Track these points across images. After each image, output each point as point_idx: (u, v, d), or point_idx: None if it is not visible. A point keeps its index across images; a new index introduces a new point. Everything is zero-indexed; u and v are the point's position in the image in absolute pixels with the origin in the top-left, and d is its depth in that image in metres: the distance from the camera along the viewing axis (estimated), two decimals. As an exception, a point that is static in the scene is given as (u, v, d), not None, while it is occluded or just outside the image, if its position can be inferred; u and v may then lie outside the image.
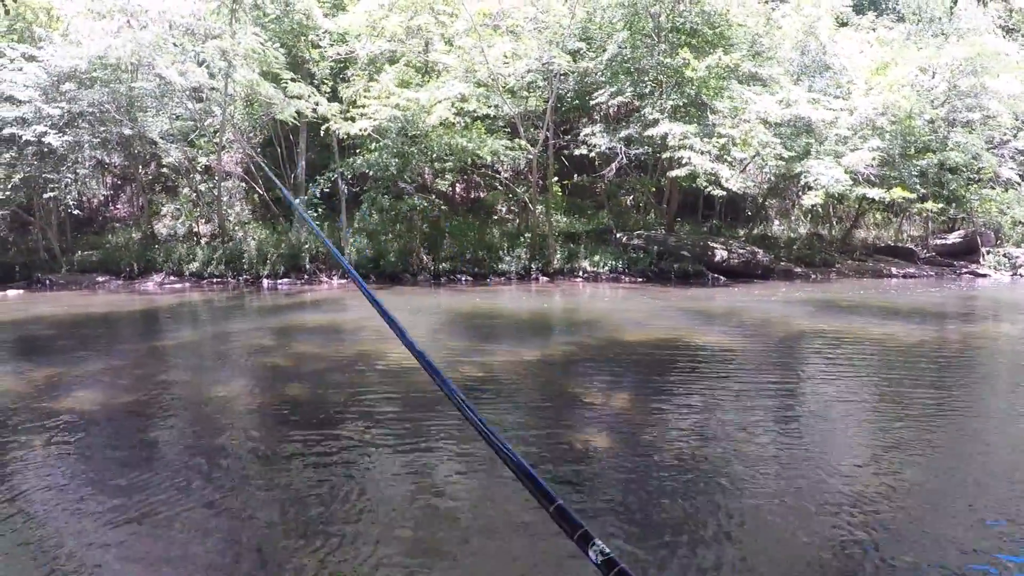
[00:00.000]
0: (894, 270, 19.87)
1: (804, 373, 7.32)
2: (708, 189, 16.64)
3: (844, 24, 22.84)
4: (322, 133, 17.50)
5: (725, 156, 16.29)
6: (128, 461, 4.54)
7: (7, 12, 16.84)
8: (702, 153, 15.78)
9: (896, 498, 3.81)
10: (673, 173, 16.46)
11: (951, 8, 25.42)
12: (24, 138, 16.85)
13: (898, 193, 17.30)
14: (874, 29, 22.94)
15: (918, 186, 19.18)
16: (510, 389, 6.45)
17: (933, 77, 19.95)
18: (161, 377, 7.21)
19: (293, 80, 17.11)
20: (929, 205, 18.97)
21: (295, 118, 17.64)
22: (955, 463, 4.52)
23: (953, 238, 22.80)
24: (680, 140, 15.99)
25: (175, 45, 17.63)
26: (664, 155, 17.15)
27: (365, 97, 16.57)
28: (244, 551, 3.30)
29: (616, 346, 8.74)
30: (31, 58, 17.08)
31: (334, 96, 18.12)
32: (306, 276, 18.08)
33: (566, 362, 7.84)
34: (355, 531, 3.48)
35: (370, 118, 16.31)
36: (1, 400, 6.11)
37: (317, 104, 17.07)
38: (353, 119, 16.47)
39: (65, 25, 18.67)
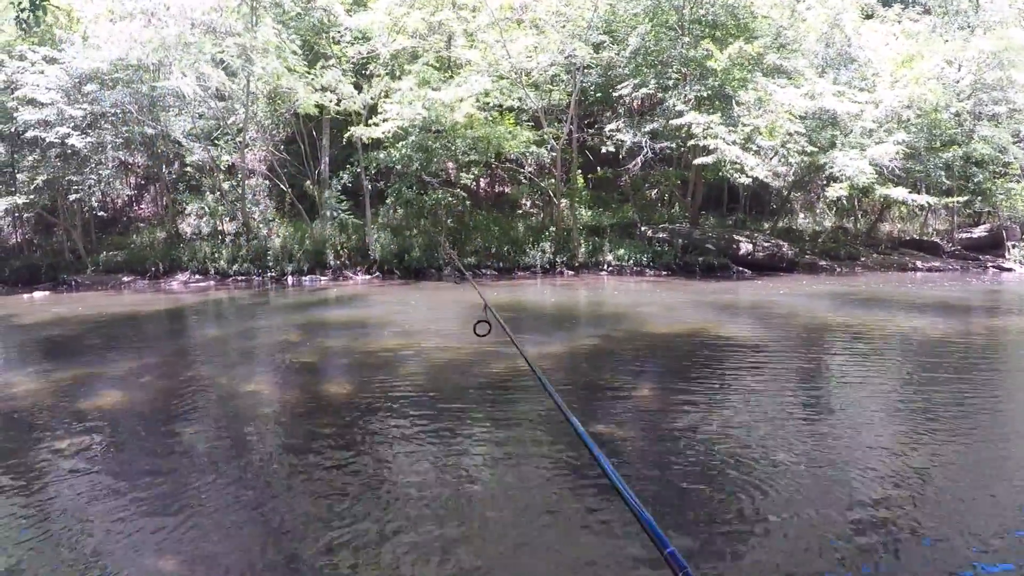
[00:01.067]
0: (919, 264, 19.69)
1: (830, 366, 7.26)
2: (734, 178, 16.48)
3: (869, 16, 22.64)
4: (346, 133, 17.48)
5: (750, 145, 16.18)
6: (156, 458, 4.54)
7: (38, 23, 16.89)
8: (727, 142, 15.67)
9: (922, 492, 3.76)
10: (699, 161, 16.34)
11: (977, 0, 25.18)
12: (47, 140, 16.97)
13: (923, 198, 17.21)
14: (899, 21, 22.72)
15: (944, 179, 19.00)
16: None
17: (959, 70, 19.75)
18: (188, 375, 7.21)
19: (322, 68, 17.09)
20: (954, 198, 18.75)
21: (318, 112, 17.62)
22: (982, 457, 4.44)
23: (978, 232, 22.57)
24: (705, 129, 15.89)
25: (197, 42, 17.68)
26: (689, 143, 17.05)
27: (386, 102, 16.56)
28: (273, 544, 3.29)
29: (642, 339, 8.69)
30: (52, 60, 17.19)
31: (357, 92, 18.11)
32: (331, 272, 18.10)
33: (592, 354, 7.81)
34: (384, 523, 3.46)
35: (392, 120, 16.29)
36: (29, 400, 6.12)
37: (340, 97, 17.04)
38: (376, 124, 16.46)
39: (84, 28, 18.75)
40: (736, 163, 15.77)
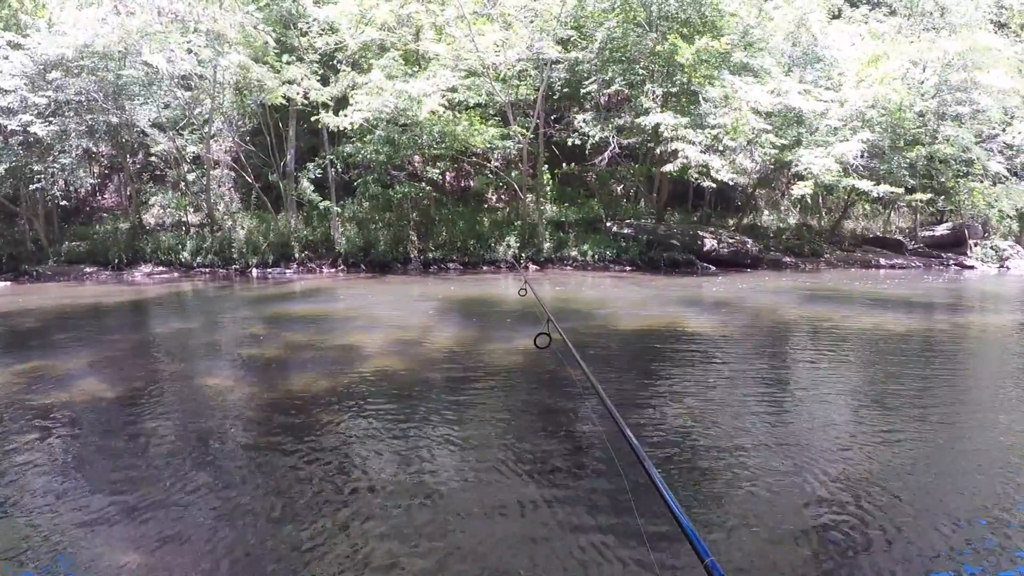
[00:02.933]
0: (882, 261, 19.96)
1: (794, 362, 7.35)
2: (699, 182, 16.64)
3: (836, 16, 22.89)
4: (312, 120, 17.37)
5: (716, 146, 16.28)
6: (119, 451, 4.51)
7: None
8: (694, 144, 15.75)
9: (882, 485, 3.81)
10: (666, 168, 16.44)
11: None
12: (9, 127, 16.68)
13: (886, 189, 17.40)
14: (866, 22, 22.97)
15: (907, 178, 19.24)
16: (503, 377, 6.42)
17: (924, 71, 20.00)
18: (151, 368, 7.15)
19: (288, 63, 16.96)
20: (918, 196, 19.00)
21: (285, 102, 17.50)
22: (941, 450, 4.52)
23: (941, 230, 22.92)
24: (672, 131, 15.96)
25: (163, 32, 17.47)
26: (657, 149, 17.13)
27: (354, 93, 16.48)
28: (235, 539, 3.28)
29: (607, 334, 8.74)
30: (17, 46, 16.86)
31: (324, 85, 18.01)
32: (296, 265, 18.01)
33: (558, 349, 7.78)
34: (346, 517, 3.47)
35: (360, 110, 16.23)
36: None
37: (307, 90, 16.93)
38: (345, 115, 16.38)
39: (49, 13, 18.46)
40: (702, 167, 15.87)
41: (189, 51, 16.92)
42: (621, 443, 4.31)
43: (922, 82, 19.88)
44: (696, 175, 16.37)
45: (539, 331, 3.08)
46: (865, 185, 17.13)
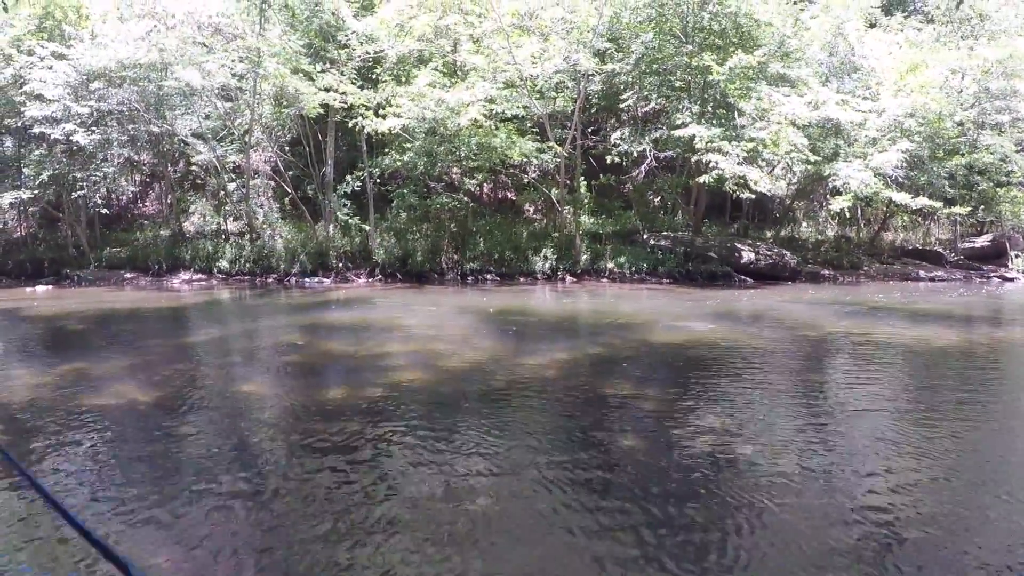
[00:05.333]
0: (922, 273, 19.72)
1: (834, 376, 7.29)
2: (736, 193, 16.55)
3: (873, 25, 22.66)
4: (350, 125, 17.48)
5: (755, 158, 16.19)
6: (155, 455, 4.55)
7: (5, 10, 16.89)
8: (729, 156, 15.68)
9: (923, 506, 3.75)
10: (702, 179, 16.36)
11: (957, 3, 25.02)
12: (52, 136, 17.02)
13: (924, 202, 17.21)
14: (901, 30, 22.73)
15: (946, 188, 19.02)
16: (541, 389, 6.42)
17: (963, 79, 19.78)
18: (188, 373, 7.21)
19: (322, 71, 17.12)
20: (958, 210, 18.77)
21: (323, 111, 17.64)
22: (985, 470, 4.42)
23: (981, 241, 22.59)
24: (707, 143, 15.90)
25: (204, 46, 17.72)
26: (693, 158, 17.08)
27: (397, 97, 16.59)
28: (266, 546, 3.32)
29: (644, 347, 8.71)
30: (60, 56, 17.21)
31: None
32: (334, 274, 18.18)
33: (595, 362, 7.82)
34: (379, 526, 3.48)
35: (400, 116, 16.34)
36: (29, 394, 6.15)
37: (345, 94, 17.05)
38: (384, 116, 16.48)
39: (92, 26, 18.81)
40: (739, 178, 15.79)
41: (223, 66, 17.07)
42: (659, 459, 4.36)
43: (961, 91, 19.67)
44: (733, 186, 16.27)
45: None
46: (903, 198, 16.95)
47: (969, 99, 19.53)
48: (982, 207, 20.62)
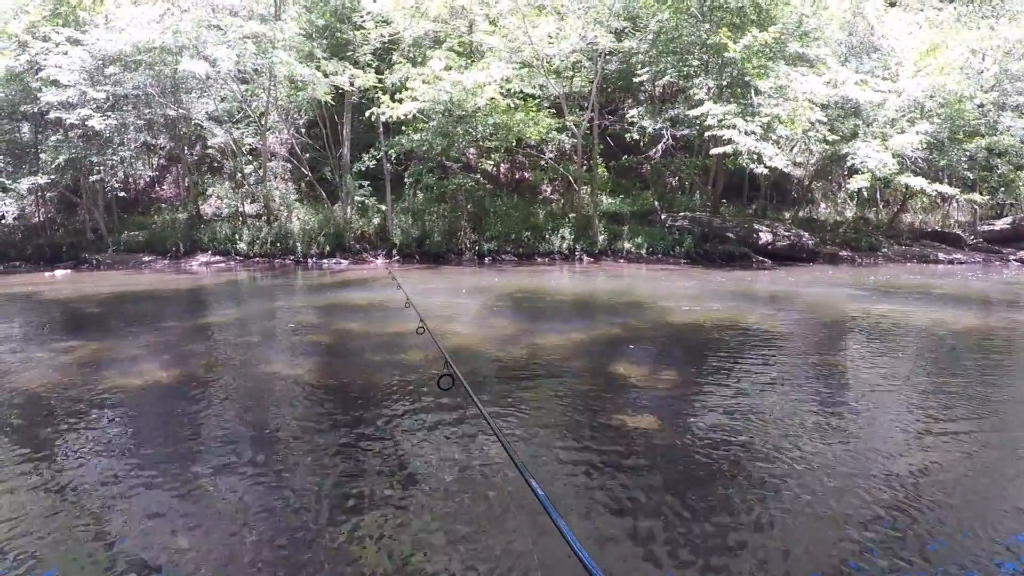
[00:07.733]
0: (940, 256, 19.53)
1: (851, 358, 7.23)
2: (752, 167, 16.38)
3: (893, 4, 22.42)
4: (366, 115, 17.48)
5: (769, 135, 16.05)
6: (173, 436, 4.60)
7: None
8: (745, 133, 15.55)
9: (940, 491, 3.71)
10: (716, 151, 16.22)
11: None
12: (68, 121, 17.06)
13: (939, 187, 17.06)
14: (921, 9, 22.48)
15: (966, 171, 18.82)
16: (558, 369, 6.40)
17: (983, 60, 19.54)
18: (206, 354, 7.24)
19: (325, 59, 17.08)
20: (976, 197, 18.55)
21: (335, 93, 17.61)
22: (1003, 455, 4.36)
23: (1001, 224, 22.31)
24: (720, 120, 15.78)
25: (218, 28, 17.68)
26: (706, 134, 16.95)
27: (412, 80, 16.54)
28: (283, 526, 3.32)
29: (661, 327, 8.69)
30: (76, 42, 17.23)
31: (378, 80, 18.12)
32: (351, 256, 18.20)
33: (612, 342, 7.82)
34: (401, 508, 3.49)
35: (416, 99, 16.30)
36: (49, 376, 6.20)
37: (353, 77, 16.99)
38: (400, 101, 16.44)
39: (106, 10, 18.82)
40: (754, 152, 15.64)
41: (236, 54, 17.02)
42: (677, 441, 4.32)
43: (981, 72, 19.43)
44: (748, 162, 16.09)
45: (442, 372, 3.08)
46: (919, 183, 16.76)
47: (990, 80, 19.27)
48: (1002, 189, 20.40)
